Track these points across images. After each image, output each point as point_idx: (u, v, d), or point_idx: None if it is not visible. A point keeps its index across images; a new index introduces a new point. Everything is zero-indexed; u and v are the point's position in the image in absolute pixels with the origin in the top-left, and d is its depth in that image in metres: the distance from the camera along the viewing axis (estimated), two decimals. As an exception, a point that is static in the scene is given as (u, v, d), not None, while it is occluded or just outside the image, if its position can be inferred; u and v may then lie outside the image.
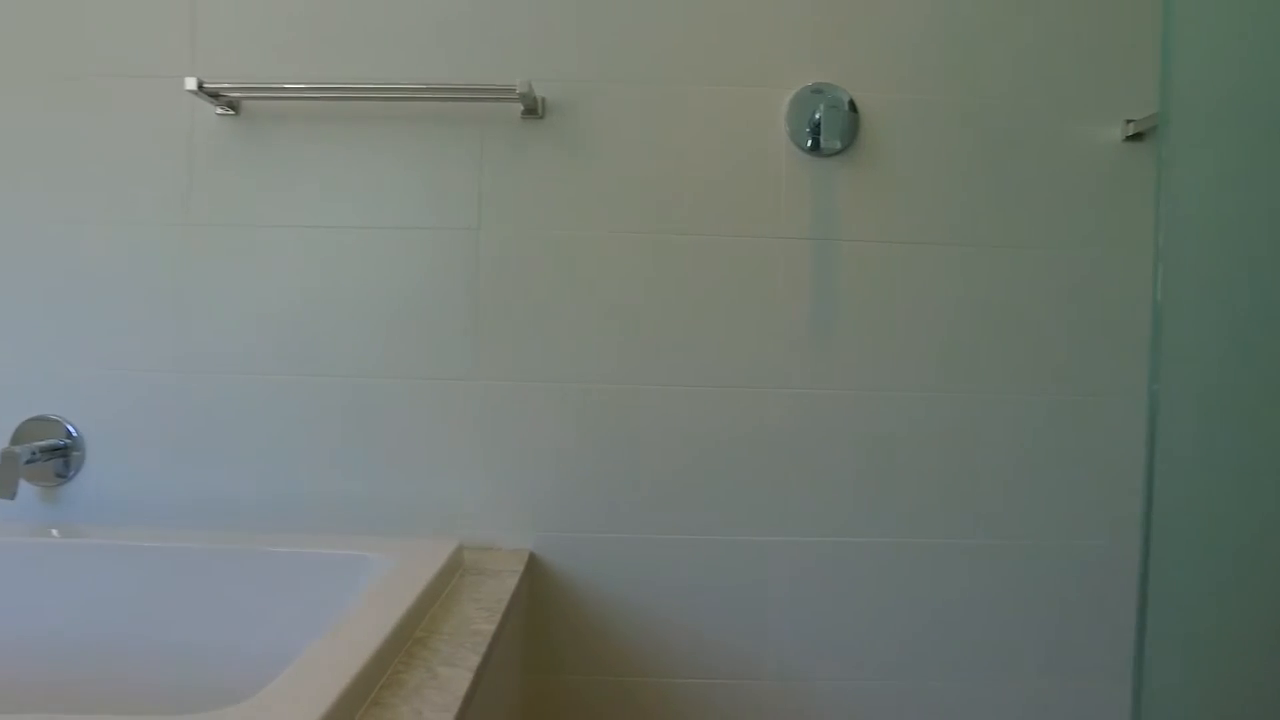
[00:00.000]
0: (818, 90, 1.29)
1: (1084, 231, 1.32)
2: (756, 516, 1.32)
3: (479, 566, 1.24)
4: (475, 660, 0.91)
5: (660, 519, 1.32)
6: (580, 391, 1.32)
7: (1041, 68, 1.32)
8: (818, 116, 1.25)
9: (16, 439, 1.33)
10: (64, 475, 1.34)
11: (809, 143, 1.28)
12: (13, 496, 1.24)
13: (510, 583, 1.17)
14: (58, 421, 1.33)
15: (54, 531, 1.29)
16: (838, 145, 1.27)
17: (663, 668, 1.33)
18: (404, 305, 1.32)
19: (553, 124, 1.31)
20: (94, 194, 1.33)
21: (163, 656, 1.21)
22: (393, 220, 1.32)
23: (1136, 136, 1.30)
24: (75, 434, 1.33)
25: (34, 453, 1.29)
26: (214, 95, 1.27)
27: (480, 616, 1.04)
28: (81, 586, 1.25)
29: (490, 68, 1.30)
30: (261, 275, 1.32)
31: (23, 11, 1.33)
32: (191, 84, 1.24)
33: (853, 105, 1.29)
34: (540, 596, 1.33)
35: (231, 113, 1.32)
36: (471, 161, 1.31)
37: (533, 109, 1.29)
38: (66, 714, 0.70)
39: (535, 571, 1.33)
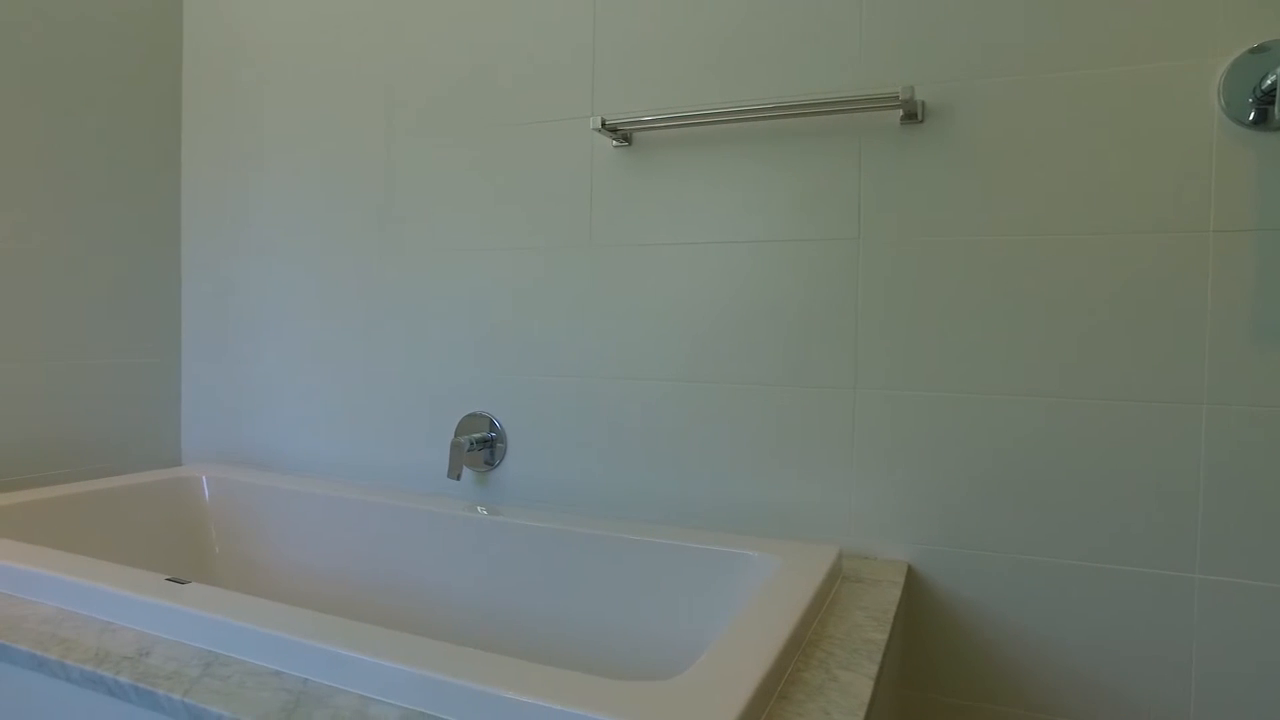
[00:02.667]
0: (1262, 50, 1.10)
1: None
2: (1179, 549, 1.16)
3: (856, 574, 1.24)
4: (873, 669, 0.90)
5: (1067, 543, 1.21)
6: (966, 401, 1.26)
7: None
8: (1270, 81, 1.06)
9: (458, 432, 1.60)
10: (491, 463, 1.57)
11: (1251, 116, 1.10)
12: (458, 478, 1.50)
13: (893, 594, 1.15)
14: (487, 417, 1.58)
15: (480, 509, 1.52)
16: (1302, 114, 1.07)
17: (1057, 707, 1.21)
18: (784, 315, 1.36)
19: (933, 128, 1.27)
20: (515, 223, 1.56)
21: (560, 627, 1.38)
22: (774, 234, 1.37)
23: None
24: (500, 429, 1.57)
25: (471, 443, 1.53)
26: (611, 130, 1.42)
27: (870, 625, 1.03)
28: (498, 556, 1.46)
29: (864, 76, 1.30)
30: (654, 290, 1.45)
31: (468, 74, 1.61)
32: (595, 123, 1.40)
33: (1313, 65, 1.08)
34: (919, 611, 1.29)
35: (625, 144, 1.47)
36: (850, 171, 1.32)
37: (913, 114, 1.26)
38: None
39: (913, 584, 1.29)
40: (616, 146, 1.48)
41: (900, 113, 1.27)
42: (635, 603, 1.33)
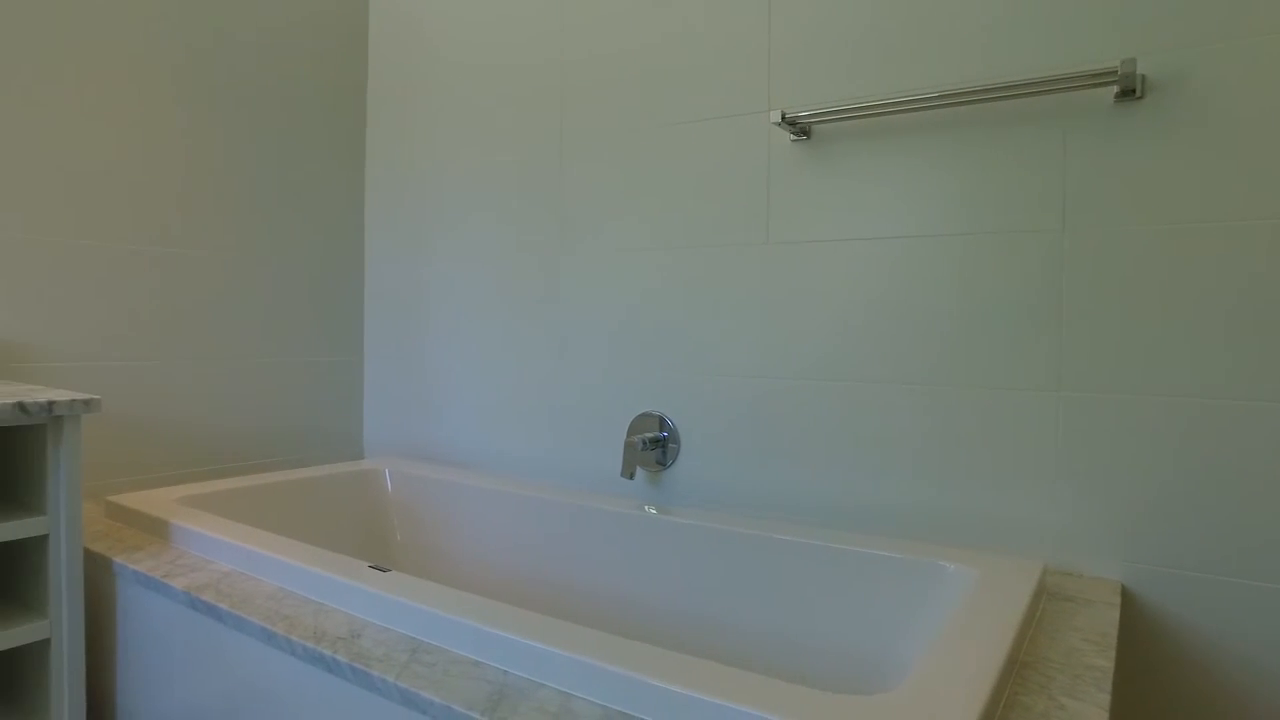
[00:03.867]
0: None
1: None
2: None
3: (1062, 591, 1.14)
4: (1104, 698, 0.83)
5: (1303, 568, 1.07)
6: (1185, 407, 1.13)
7: None
8: None
9: (631, 431, 1.60)
10: (663, 463, 1.57)
11: None
12: (631, 477, 1.50)
13: (1110, 616, 1.05)
14: (660, 417, 1.58)
15: (649, 508, 1.52)
16: None
17: (1306, 753, 1.07)
18: (973, 313, 1.28)
19: (1155, 104, 1.15)
20: (689, 222, 1.55)
21: (734, 630, 1.35)
22: (961, 227, 1.29)
23: None
24: (672, 428, 1.56)
25: (644, 443, 1.54)
26: (791, 123, 1.38)
27: (1089, 649, 0.95)
28: (670, 556, 1.45)
29: (1069, 52, 1.20)
30: (833, 287, 1.40)
31: (640, 74, 1.61)
32: (775, 117, 1.37)
33: None
34: (1136, 636, 1.17)
35: (804, 138, 1.43)
36: (1052, 156, 1.22)
37: (1131, 90, 1.15)
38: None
39: (1129, 607, 1.18)
40: (794, 140, 1.44)
41: (1115, 90, 1.16)
42: (814, 609, 1.29)
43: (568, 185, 1.73)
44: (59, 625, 1.21)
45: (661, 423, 1.57)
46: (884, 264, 1.35)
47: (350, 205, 2.10)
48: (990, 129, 1.27)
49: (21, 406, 1.14)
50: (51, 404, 1.17)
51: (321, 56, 2.01)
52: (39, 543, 1.22)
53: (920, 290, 1.32)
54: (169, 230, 1.73)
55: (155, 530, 1.38)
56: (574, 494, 1.63)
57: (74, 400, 1.19)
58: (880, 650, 1.20)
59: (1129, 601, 1.17)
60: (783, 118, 1.36)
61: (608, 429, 1.67)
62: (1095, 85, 1.14)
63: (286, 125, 1.94)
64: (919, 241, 1.33)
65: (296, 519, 1.69)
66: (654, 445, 1.56)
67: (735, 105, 1.50)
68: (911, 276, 1.33)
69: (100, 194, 1.63)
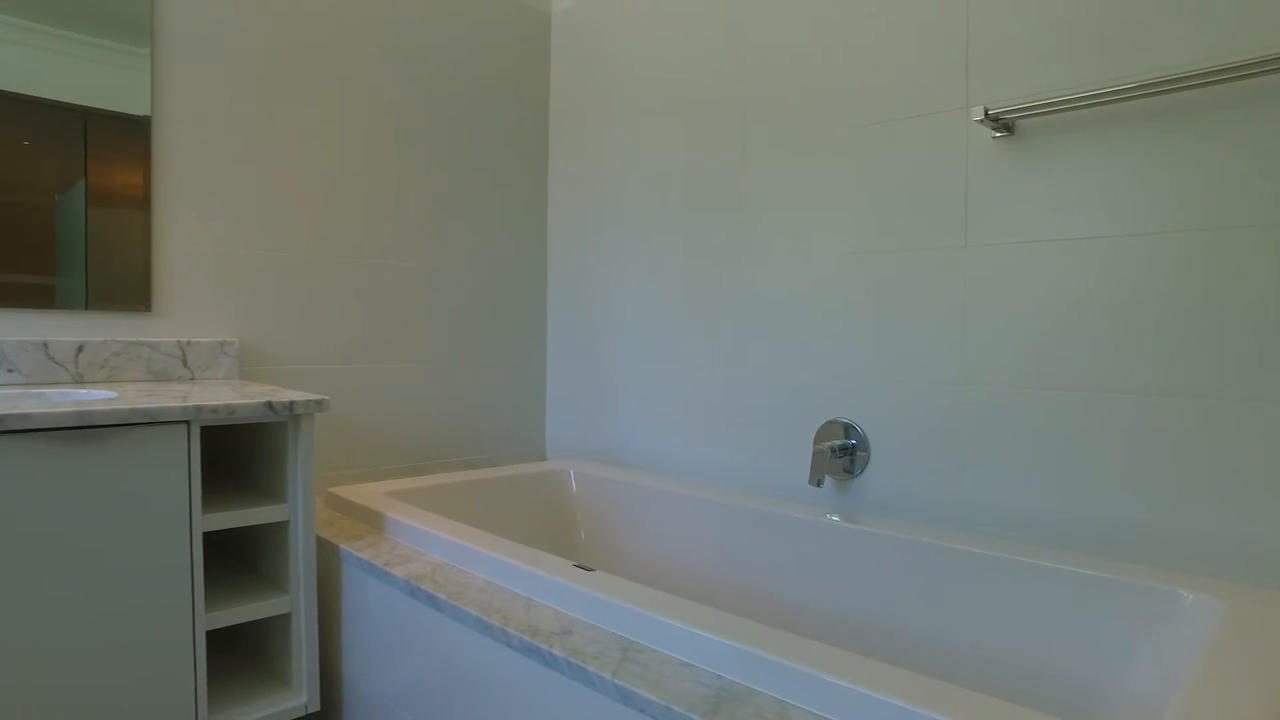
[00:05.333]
0: None
1: None
2: None
3: (1325, 632, 1.02)
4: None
5: None
6: None
7: None
8: None
9: (818, 438, 1.58)
10: (850, 472, 1.54)
11: None
12: (819, 484, 1.48)
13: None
14: (848, 424, 1.54)
15: (833, 516, 1.49)
16: None
17: None
18: (1201, 318, 1.17)
19: None
20: (879, 225, 1.51)
21: (923, 645, 1.30)
22: (1187, 223, 1.18)
23: None
24: (862, 436, 1.52)
25: (833, 450, 1.51)
26: (994, 120, 1.32)
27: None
28: (854, 566, 1.41)
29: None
30: (1036, 291, 1.32)
31: (824, 75, 1.59)
32: (977, 113, 1.31)
33: None
34: None
35: (1006, 134, 1.36)
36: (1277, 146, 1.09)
37: None
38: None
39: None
40: (997, 137, 1.37)
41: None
42: (1022, 628, 1.22)
43: (750, 191, 1.72)
44: (297, 601, 1.33)
45: (850, 430, 1.53)
46: (1089, 265, 1.26)
47: (534, 217, 2.19)
48: (1206, 116, 1.15)
49: (269, 405, 1.27)
50: (293, 403, 1.29)
51: (508, 79, 2.12)
52: (280, 528, 1.35)
53: (1130, 292, 1.22)
54: (380, 245, 1.87)
55: (371, 521, 1.49)
56: (755, 499, 1.62)
57: (309, 400, 1.31)
58: (1100, 680, 1.12)
59: None
60: (985, 114, 1.30)
61: (790, 435, 1.65)
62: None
63: (477, 146, 2.05)
64: (1128, 241, 1.23)
65: (489, 515, 1.78)
66: (842, 453, 1.52)
67: (930, 103, 1.45)
68: (1119, 278, 1.23)
69: (322, 212, 1.78)
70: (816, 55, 1.61)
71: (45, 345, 1.43)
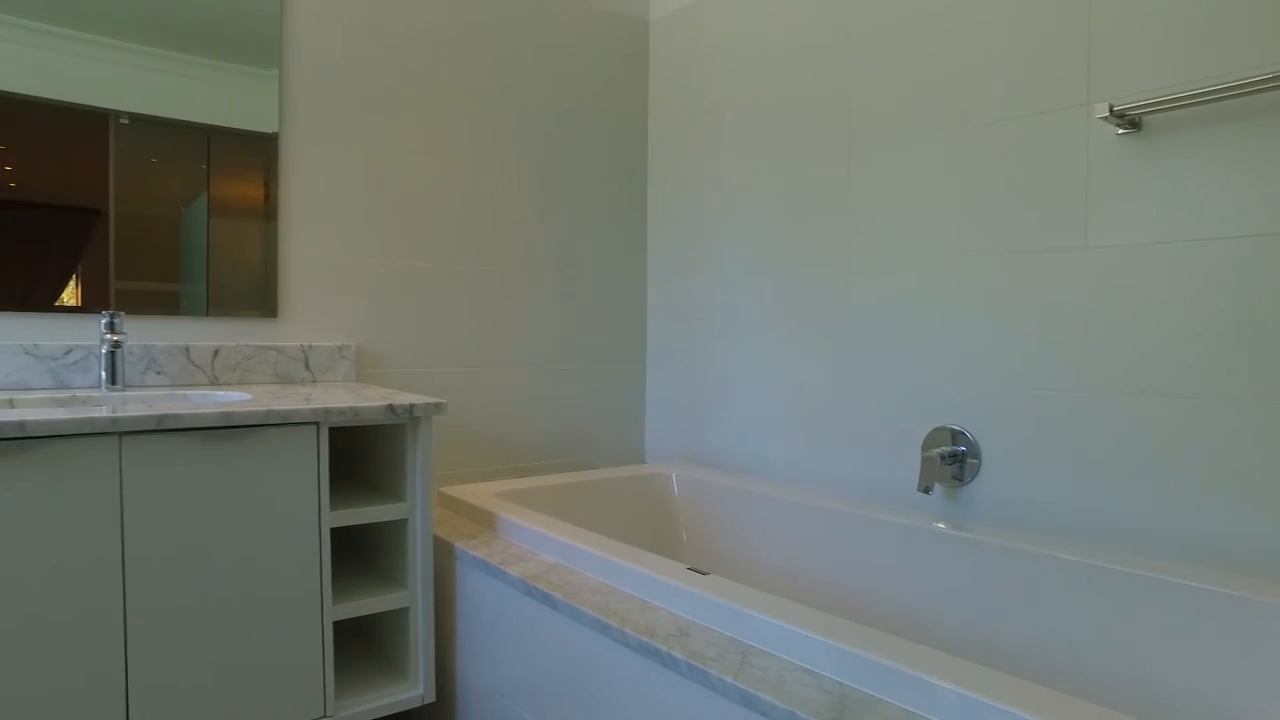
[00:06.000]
0: None
1: None
2: None
3: None
4: None
5: None
6: None
7: None
8: None
9: (926, 445, 1.55)
10: (960, 479, 1.50)
11: None
12: (928, 491, 1.45)
13: None
14: (958, 431, 1.51)
15: (939, 524, 1.46)
16: None
17: None
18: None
19: None
20: (990, 226, 1.47)
21: (1038, 662, 1.26)
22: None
23: None
24: (973, 443, 1.49)
25: (942, 457, 1.48)
26: (1119, 116, 1.27)
27: None
28: (965, 576, 1.38)
29: None
30: (1164, 294, 1.27)
31: (934, 75, 1.56)
32: (1101, 110, 1.26)
33: None
34: None
35: (1132, 130, 1.30)
36: None
37: None
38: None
39: None
40: (1122, 134, 1.32)
41: None
42: (1159, 653, 1.17)
43: (856, 194, 1.70)
44: (415, 596, 1.39)
45: (959, 437, 1.50)
46: (1226, 266, 1.20)
47: (634, 222, 2.22)
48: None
49: (391, 408, 1.32)
50: (412, 406, 1.35)
51: (607, 87, 2.15)
52: (400, 525, 1.41)
53: (1273, 295, 1.16)
54: (485, 251, 1.93)
55: (483, 521, 1.54)
56: (859, 505, 1.60)
57: (428, 403, 1.36)
58: (1231, 709, 1.07)
59: None
60: (1110, 110, 1.25)
61: (893, 441, 1.62)
62: None
63: (578, 153, 2.09)
64: (1268, 240, 1.16)
65: (591, 517, 1.81)
66: (952, 459, 1.49)
67: (1048, 100, 1.41)
68: (1260, 280, 1.17)
69: (431, 220, 1.85)
70: (926, 54, 1.58)
71: (187, 350, 1.53)
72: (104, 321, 1.38)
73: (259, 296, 1.62)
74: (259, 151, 1.62)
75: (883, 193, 1.65)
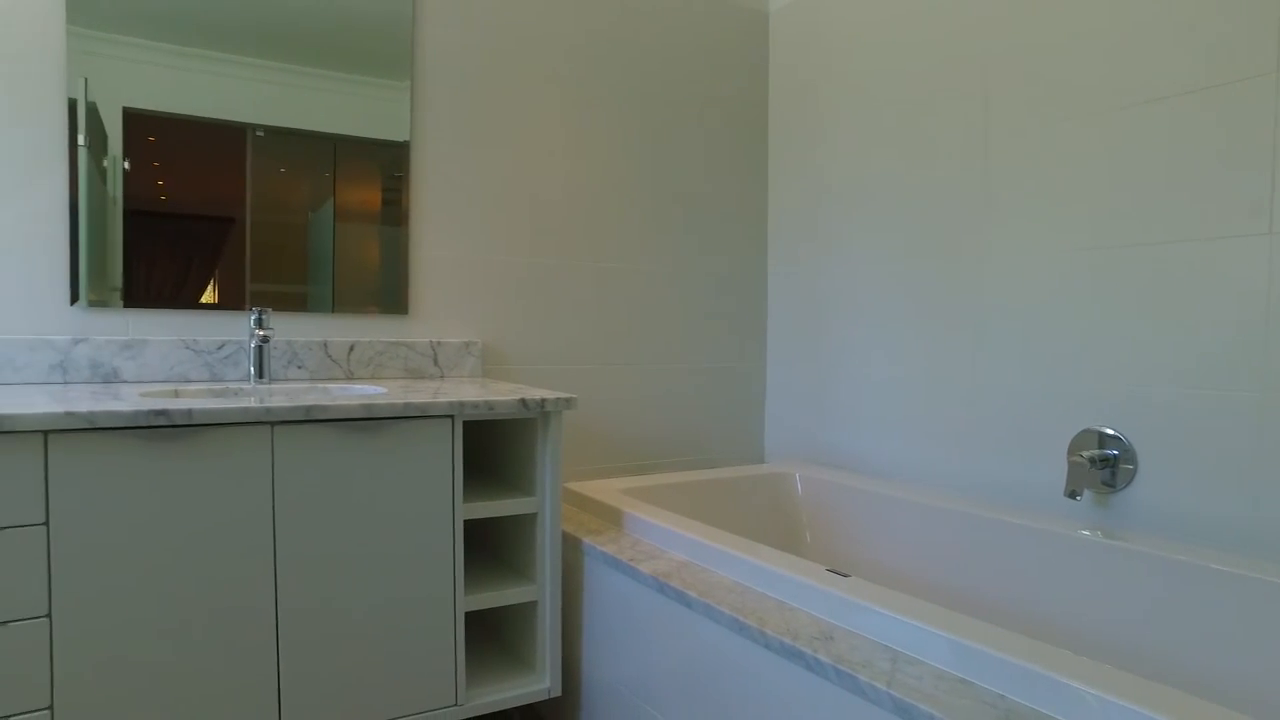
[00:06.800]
0: None
1: None
2: None
3: None
4: None
5: None
6: None
7: None
8: None
9: (1072, 449, 1.46)
10: (1111, 485, 1.41)
11: None
12: (1075, 497, 1.37)
13: None
14: (1110, 434, 1.41)
15: (1086, 531, 1.37)
16: None
17: None
18: None
19: None
20: (1148, 214, 1.37)
21: (1184, 676, 1.16)
22: None
23: None
24: (1127, 447, 1.39)
25: (1091, 461, 1.39)
26: (1301, 91, 1.16)
27: None
28: (1115, 586, 1.29)
29: None
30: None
31: (1080, 52, 1.47)
32: (1282, 84, 1.16)
33: None
34: None
35: (1317, 107, 1.19)
36: None
37: None
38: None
39: None
40: (1303, 112, 1.21)
41: None
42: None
43: (992, 182, 1.62)
44: (543, 590, 1.40)
45: (1110, 440, 1.40)
46: None
47: (754, 218, 2.18)
48: None
49: (523, 403, 1.34)
50: (544, 401, 1.36)
51: (726, 80, 2.13)
52: (529, 520, 1.43)
53: None
54: (605, 249, 1.94)
55: (609, 517, 1.54)
56: (996, 509, 1.53)
57: (559, 398, 1.37)
58: None
59: None
60: (1296, 86, 1.15)
61: (1031, 443, 1.54)
62: None
63: (697, 148, 2.08)
64: None
65: (715, 515, 1.79)
66: (1103, 464, 1.40)
67: (1218, 73, 1.30)
68: None
69: (553, 219, 1.87)
70: (1072, 32, 1.49)
71: (325, 345, 1.59)
72: (253, 318, 1.44)
73: (386, 295, 1.67)
74: (387, 159, 1.67)
75: (1024, 180, 1.57)
